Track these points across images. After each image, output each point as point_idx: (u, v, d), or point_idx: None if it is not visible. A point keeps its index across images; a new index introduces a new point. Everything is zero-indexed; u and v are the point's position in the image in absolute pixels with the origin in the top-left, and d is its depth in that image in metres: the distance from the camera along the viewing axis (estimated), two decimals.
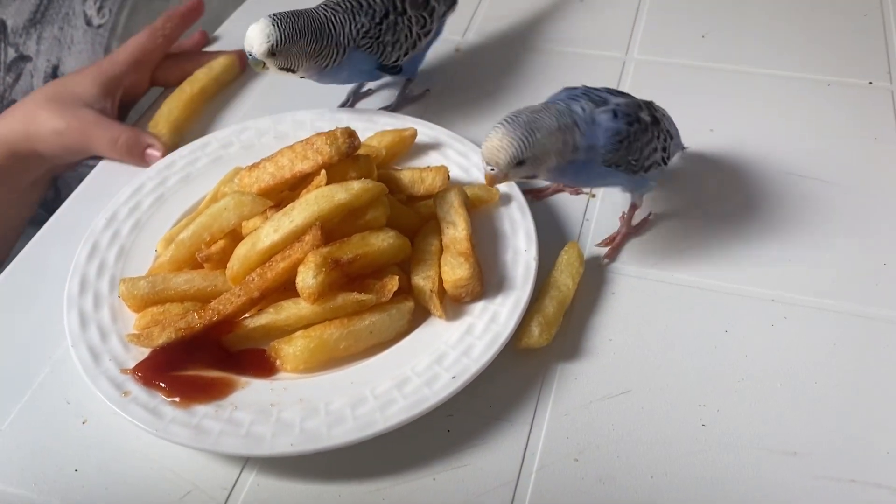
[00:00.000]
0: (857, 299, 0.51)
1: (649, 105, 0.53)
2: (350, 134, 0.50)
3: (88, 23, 0.95)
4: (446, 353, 0.47)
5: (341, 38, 0.58)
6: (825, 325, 0.50)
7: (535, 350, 0.49)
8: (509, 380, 0.48)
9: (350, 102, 0.68)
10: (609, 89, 0.51)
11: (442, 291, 0.50)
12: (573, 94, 0.50)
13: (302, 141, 0.51)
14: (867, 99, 0.66)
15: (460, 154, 0.60)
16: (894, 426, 0.45)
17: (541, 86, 0.69)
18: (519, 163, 0.46)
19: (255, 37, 0.55)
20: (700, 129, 0.63)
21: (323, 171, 0.50)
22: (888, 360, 0.48)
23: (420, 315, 0.50)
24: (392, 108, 0.67)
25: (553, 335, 0.49)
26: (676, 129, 0.55)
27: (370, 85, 0.70)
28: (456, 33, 0.76)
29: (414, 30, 0.62)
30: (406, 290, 0.50)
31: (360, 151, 0.55)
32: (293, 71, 0.57)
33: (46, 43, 0.94)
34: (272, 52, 0.55)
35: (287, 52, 0.55)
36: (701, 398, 0.47)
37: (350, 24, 0.58)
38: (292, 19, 0.55)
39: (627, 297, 0.52)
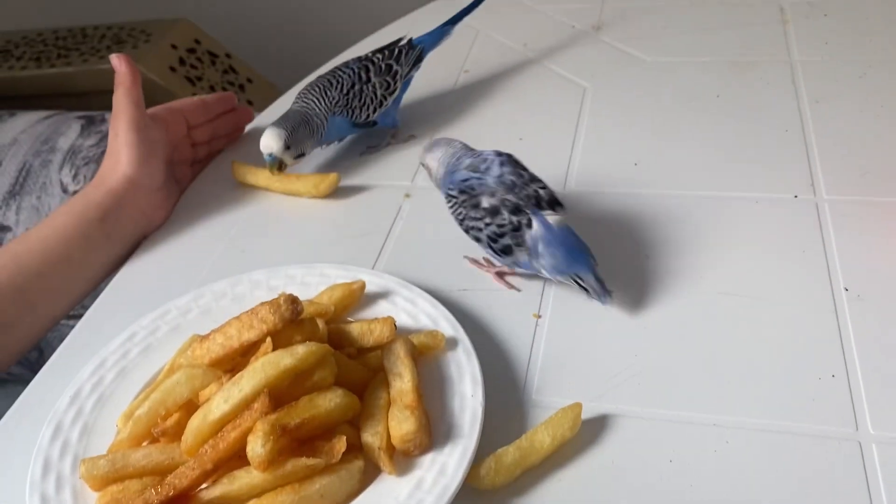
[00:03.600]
0: (795, 417, 0.53)
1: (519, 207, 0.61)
2: (293, 300, 0.53)
3: (64, 190, 1.00)
4: None
5: (321, 113, 0.78)
6: (767, 445, 0.51)
7: (483, 494, 0.50)
8: None
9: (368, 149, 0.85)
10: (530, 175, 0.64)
11: (391, 447, 0.51)
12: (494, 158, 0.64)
13: (248, 311, 0.53)
14: (793, 212, 0.69)
15: (407, 300, 0.63)
16: None
17: None
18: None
19: (270, 140, 0.74)
20: (637, 255, 0.66)
21: (268, 339, 0.52)
22: (830, 478, 0.49)
23: (372, 471, 0.51)
24: (376, 149, 0.85)
25: (503, 483, 0.50)
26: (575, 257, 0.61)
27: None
28: (405, 179, 0.80)
29: (379, 92, 0.81)
30: (357, 448, 0.51)
31: (311, 309, 0.58)
32: (303, 154, 0.78)
33: (25, 212, 0.99)
34: (287, 146, 0.75)
35: (296, 141, 0.76)
36: None
37: (323, 101, 0.78)
38: (286, 118, 0.76)
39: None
